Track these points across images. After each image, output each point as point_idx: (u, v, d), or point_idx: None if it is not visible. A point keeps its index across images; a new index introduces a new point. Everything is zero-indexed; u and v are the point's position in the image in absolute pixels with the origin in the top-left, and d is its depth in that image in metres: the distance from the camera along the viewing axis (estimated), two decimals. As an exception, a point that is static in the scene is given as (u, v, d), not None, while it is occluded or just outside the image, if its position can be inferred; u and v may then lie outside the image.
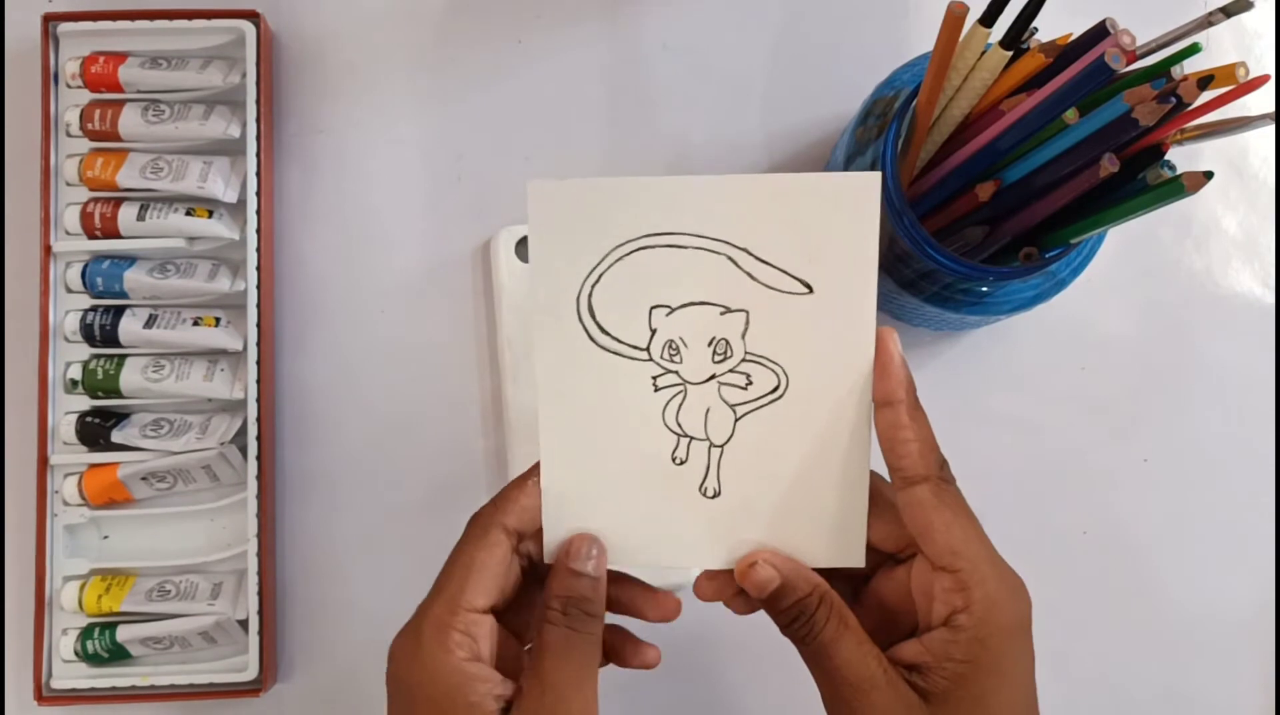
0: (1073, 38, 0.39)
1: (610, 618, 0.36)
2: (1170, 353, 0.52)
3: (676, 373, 0.35)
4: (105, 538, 0.49)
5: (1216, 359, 0.52)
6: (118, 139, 0.49)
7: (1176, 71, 0.36)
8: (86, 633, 0.47)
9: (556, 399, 0.35)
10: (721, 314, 0.34)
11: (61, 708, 0.47)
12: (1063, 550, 0.50)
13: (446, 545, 0.50)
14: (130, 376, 0.48)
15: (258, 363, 0.48)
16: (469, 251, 0.51)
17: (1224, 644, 0.50)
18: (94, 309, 0.48)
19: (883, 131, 0.42)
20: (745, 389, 0.35)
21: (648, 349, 0.35)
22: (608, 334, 0.34)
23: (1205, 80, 0.34)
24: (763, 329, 0.34)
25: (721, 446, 0.35)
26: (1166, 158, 0.38)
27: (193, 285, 0.48)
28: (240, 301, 0.49)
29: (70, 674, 0.47)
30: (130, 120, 0.48)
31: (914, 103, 0.41)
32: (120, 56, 0.49)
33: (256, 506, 0.47)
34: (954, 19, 0.37)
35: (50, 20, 0.49)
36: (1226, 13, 0.35)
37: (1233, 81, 0.35)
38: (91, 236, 0.48)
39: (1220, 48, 0.53)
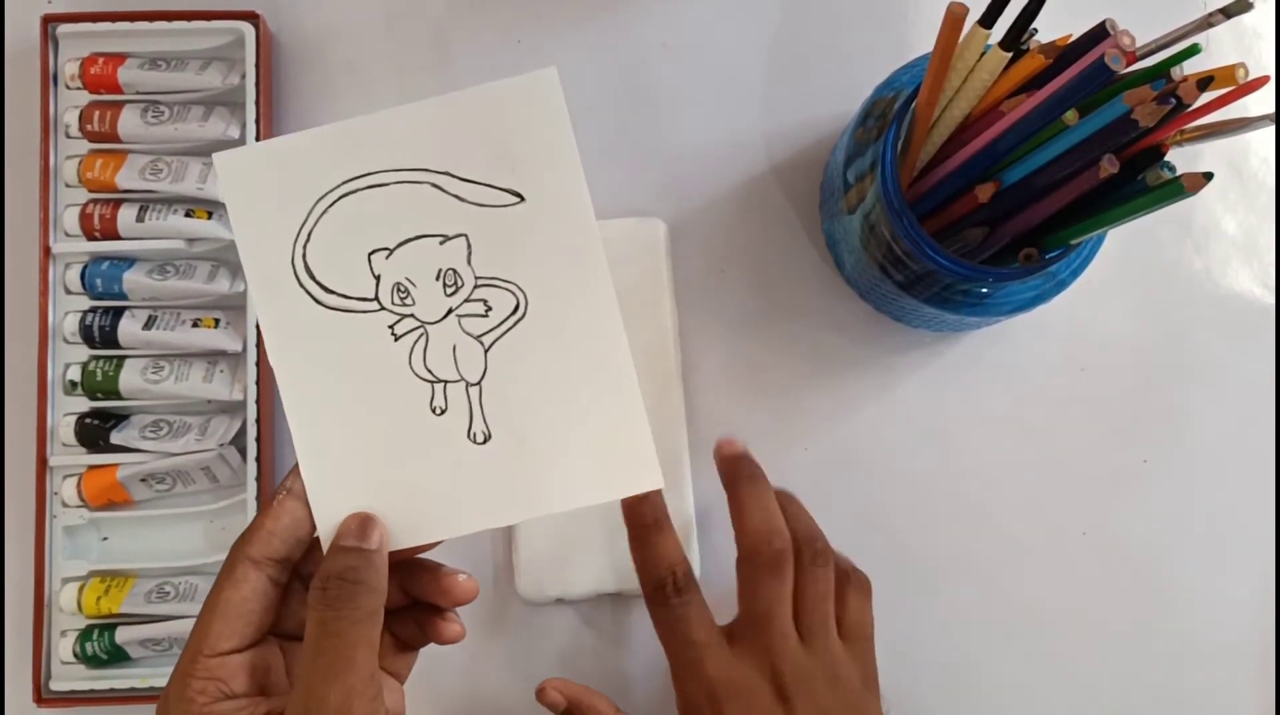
0: (1072, 39, 0.39)
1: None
2: (1170, 353, 0.52)
3: (413, 315, 0.33)
4: (104, 539, 0.49)
5: (1216, 359, 0.52)
6: (117, 140, 0.49)
7: (1176, 72, 0.36)
8: (85, 634, 0.47)
9: (296, 378, 0.33)
10: (441, 243, 0.33)
11: (60, 709, 0.47)
12: (1062, 550, 0.50)
13: (444, 544, 0.50)
14: (129, 378, 0.47)
15: (257, 364, 0.48)
16: (468, 252, 0.51)
17: (1224, 644, 0.50)
18: (93, 310, 0.48)
19: (882, 132, 0.42)
20: (486, 317, 0.33)
21: (377, 298, 0.33)
22: (332, 292, 0.33)
23: (1205, 81, 0.34)
24: (487, 250, 0.33)
25: (479, 384, 0.33)
26: (1166, 159, 0.37)
27: (192, 286, 0.48)
28: (240, 302, 0.49)
29: (69, 676, 0.47)
30: (129, 121, 0.48)
31: (914, 104, 0.41)
32: (119, 58, 0.49)
33: (256, 508, 0.47)
34: (954, 20, 0.37)
35: (49, 21, 0.49)
36: (1226, 13, 0.35)
37: (1232, 82, 0.35)
38: (91, 238, 0.48)
39: (1220, 48, 0.53)
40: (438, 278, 0.33)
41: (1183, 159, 0.38)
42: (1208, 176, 0.35)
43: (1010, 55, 0.39)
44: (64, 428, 0.48)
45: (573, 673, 0.48)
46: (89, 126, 0.48)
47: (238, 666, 0.32)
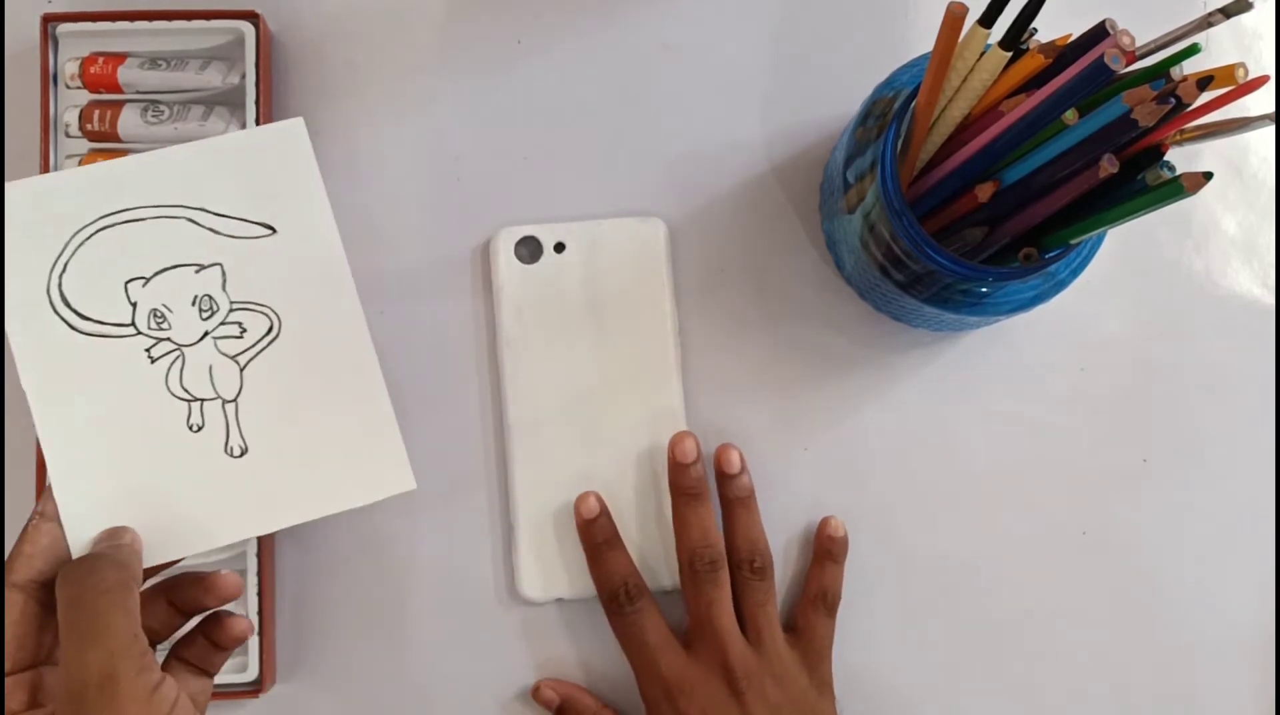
0: (1072, 38, 0.39)
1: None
2: (1170, 353, 0.52)
3: (169, 339, 0.35)
4: (105, 538, 0.49)
5: (1216, 359, 0.52)
6: (117, 140, 0.49)
7: (1176, 72, 0.36)
8: (86, 633, 0.47)
9: (49, 402, 0.35)
10: (196, 272, 0.36)
11: (61, 708, 0.47)
12: (1062, 550, 0.50)
13: (445, 543, 0.51)
14: (129, 377, 0.47)
15: (257, 363, 0.48)
16: (468, 252, 0.51)
17: (1224, 644, 0.50)
18: (93, 310, 0.48)
19: (882, 132, 0.42)
20: (241, 338, 0.36)
21: (133, 323, 0.35)
22: (88, 319, 0.35)
23: (1205, 81, 0.34)
24: (242, 276, 0.36)
25: (235, 401, 0.35)
26: (1166, 158, 0.37)
27: (192, 286, 0.48)
28: (240, 302, 0.49)
29: (70, 675, 0.47)
30: (129, 121, 0.48)
31: (913, 103, 0.41)
32: (119, 57, 0.49)
33: (256, 507, 0.47)
34: (953, 19, 0.37)
35: (49, 21, 0.49)
36: (1226, 13, 0.35)
37: (1232, 82, 0.35)
38: (91, 237, 0.48)
39: (1220, 48, 0.53)
40: (193, 303, 0.36)
41: (1182, 159, 0.39)
42: (1207, 176, 0.35)
43: (1010, 55, 0.39)
44: (64, 427, 0.48)
45: (572, 672, 0.49)
46: (89, 126, 0.48)
47: (12, 686, 0.32)
